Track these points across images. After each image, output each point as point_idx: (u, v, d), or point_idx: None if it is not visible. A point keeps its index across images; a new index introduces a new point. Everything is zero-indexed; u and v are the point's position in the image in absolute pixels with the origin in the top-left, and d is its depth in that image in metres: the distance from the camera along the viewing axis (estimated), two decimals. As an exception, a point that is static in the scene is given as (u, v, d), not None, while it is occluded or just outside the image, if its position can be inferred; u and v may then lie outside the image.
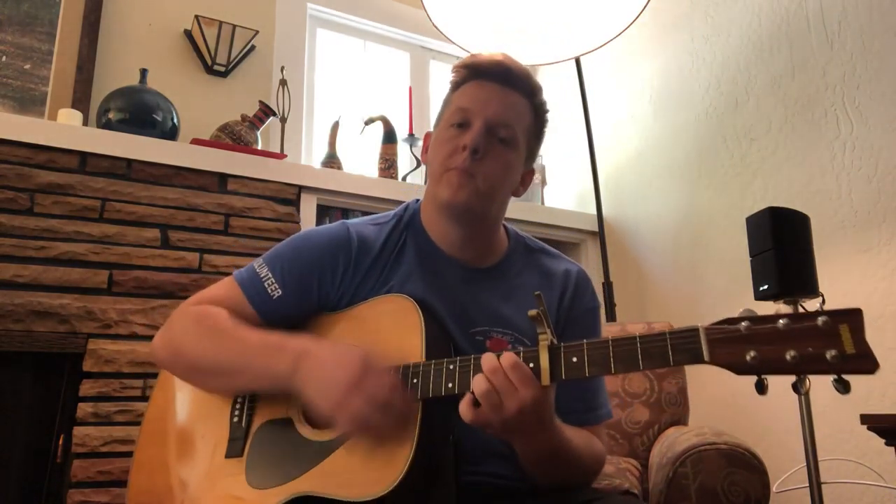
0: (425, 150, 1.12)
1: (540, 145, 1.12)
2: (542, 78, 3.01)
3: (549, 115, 1.10)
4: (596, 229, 2.40)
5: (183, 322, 1.01)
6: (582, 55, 2.30)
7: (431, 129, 1.12)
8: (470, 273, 1.07)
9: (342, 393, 0.83)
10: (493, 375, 0.79)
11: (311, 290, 1.02)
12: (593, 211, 2.40)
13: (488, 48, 2.31)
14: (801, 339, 0.67)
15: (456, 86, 1.07)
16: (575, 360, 0.78)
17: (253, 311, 1.01)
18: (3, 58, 1.93)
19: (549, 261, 1.14)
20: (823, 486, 1.40)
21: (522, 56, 2.37)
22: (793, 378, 0.72)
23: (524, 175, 1.10)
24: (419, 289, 1.00)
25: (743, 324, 0.70)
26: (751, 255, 1.46)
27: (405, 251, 1.06)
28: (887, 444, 1.25)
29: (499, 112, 1.01)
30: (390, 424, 0.84)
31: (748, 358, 0.68)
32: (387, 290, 1.01)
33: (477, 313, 1.03)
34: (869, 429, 1.26)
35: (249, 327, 0.97)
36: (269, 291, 1.00)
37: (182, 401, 1.06)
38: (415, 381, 0.86)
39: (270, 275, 1.01)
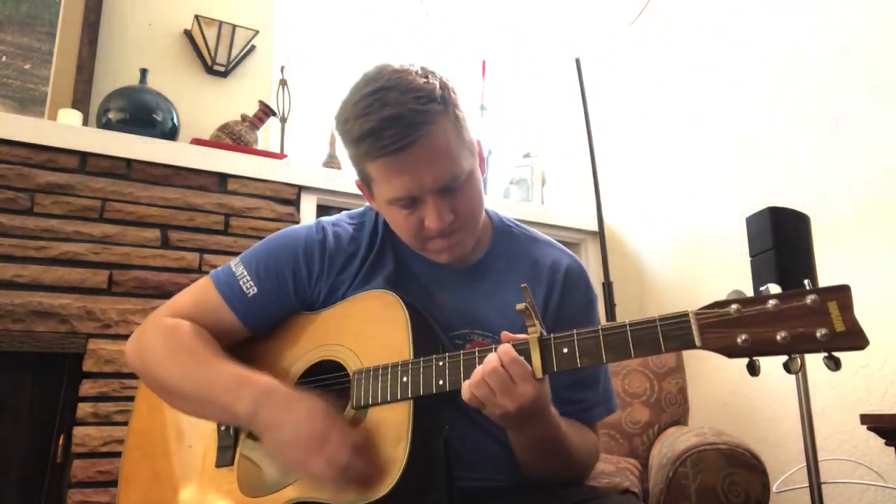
0: (367, 197, 1.00)
1: (465, 113, 0.95)
2: (543, 78, 3.01)
3: (444, 81, 0.92)
4: (596, 229, 2.40)
5: (151, 336, 0.99)
6: (582, 55, 2.30)
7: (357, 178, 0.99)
8: (450, 275, 1.02)
9: (301, 453, 0.81)
10: (491, 376, 0.77)
11: (287, 289, 1.00)
12: (593, 211, 2.40)
13: (472, 49, 2.32)
14: (791, 319, 0.67)
15: (362, 156, 0.90)
16: (566, 350, 0.78)
17: (230, 312, 0.99)
18: (3, 58, 1.93)
19: (537, 250, 1.07)
20: (823, 486, 1.40)
21: (522, 56, 2.38)
22: (784, 366, 0.71)
23: (477, 153, 0.98)
24: (400, 289, 0.97)
25: (733, 306, 0.70)
26: (751, 255, 1.46)
27: (385, 252, 1.03)
28: (887, 444, 1.25)
29: (439, 173, 0.88)
30: (350, 484, 0.81)
31: (739, 341, 0.69)
32: (366, 290, 0.98)
33: (456, 317, 1.00)
34: (869, 429, 1.26)
35: (213, 354, 0.94)
36: (245, 290, 0.99)
37: (166, 410, 1.04)
38: (404, 379, 0.85)
39: (246, 273, 1.00)
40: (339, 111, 0.92)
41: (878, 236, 1.66)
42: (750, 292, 1.43)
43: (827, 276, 1.47)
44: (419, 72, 0.90)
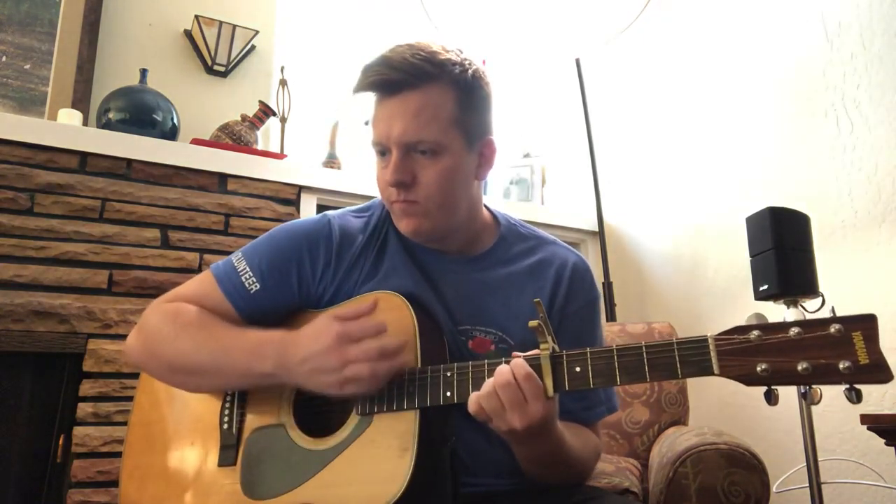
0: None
1: (487, 110, 0.99)
2: (542, 78, 3.01)
3: (476, 70, 0.96)
4: (596, 229, 2.40)
5: (156, 320, 0.98)
6: (582, 55, 2.30)
7: None
8: (455, 264, 1.02)
9: (334, 366, 0.82)
10: (504, 390, 0.76)
11: (291, 285, 0.99)
12: (593, 211, 2.40)
13: (479, 47, 2.32)
14: (813, 349, 0.65)
15: (357, 92, 0.97)
16: (578, 369, 0.76)
17: (230, 307, 0.97)
18: (3, 58, 1.93)
19: (542, 248, 1.07)
20: (823, 486, 1.40)
21: (522, 56, 2.38)
22: (801, 395, 0.71)
23: (481, 152, 0.99)
24: (406, 283, 0.97)
25: (754, 333, 0.68)
26: (751, 255, 1.46)
27: (388, 244, 1.02)
28: (887, 444, 1.25)
29: (406, 129, 0.91)
30: (397, 361, 0.84)
31: (759, 370, 0.67)
32: (372, 284, 0.98)
33: (459, 309, 0.99)
34: (869, 429, 1.26)
35: (224, 324, 0.94)
36: (247, 286, 0.97)
37: (167, 404, 1.03)
38: (411, 389, 0.85)
39: (248, 269, 0.98)
40: None
41: (877, 236, 1.66)
42: (750, 292, 1.44)
43: (827, 276, 1.47)
44: (446, 46, 0.95)
